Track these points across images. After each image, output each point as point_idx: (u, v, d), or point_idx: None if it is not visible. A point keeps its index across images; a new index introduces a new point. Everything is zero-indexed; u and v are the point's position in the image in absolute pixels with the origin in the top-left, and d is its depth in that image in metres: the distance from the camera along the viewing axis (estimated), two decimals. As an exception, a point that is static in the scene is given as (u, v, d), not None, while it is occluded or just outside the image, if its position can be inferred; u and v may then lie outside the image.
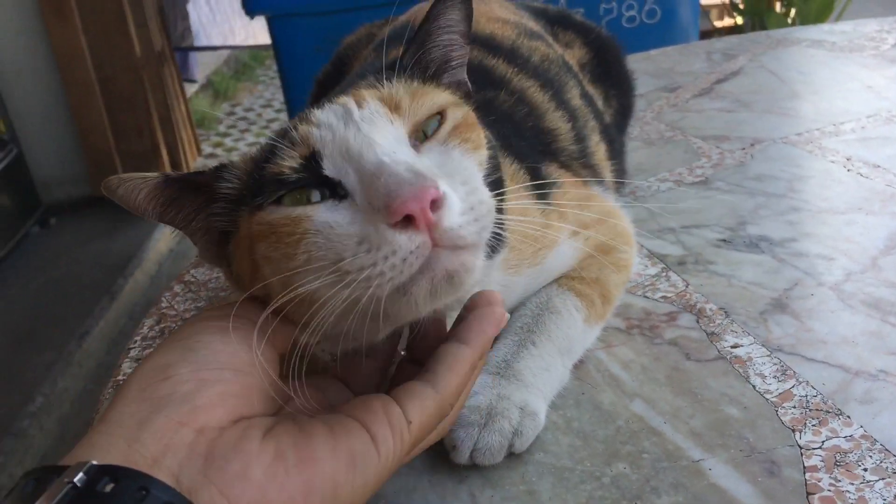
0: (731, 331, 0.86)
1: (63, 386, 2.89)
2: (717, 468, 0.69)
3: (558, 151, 0.95)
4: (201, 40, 4.40)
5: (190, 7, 4.30)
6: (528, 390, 0.75)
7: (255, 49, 6.05)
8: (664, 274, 0.98)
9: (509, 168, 0.82)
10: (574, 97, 1.05)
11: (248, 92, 6.62)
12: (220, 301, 1.07)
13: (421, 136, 0.63)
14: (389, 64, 0.67)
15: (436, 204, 0.53)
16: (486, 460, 0.70)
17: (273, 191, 0.59)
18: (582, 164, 0.97)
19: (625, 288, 0.93)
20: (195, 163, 4.61)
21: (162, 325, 1.00)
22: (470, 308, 0.62)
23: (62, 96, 3.98)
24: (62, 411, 2.83)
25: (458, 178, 0.58)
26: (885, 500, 0.63)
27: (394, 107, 0.62)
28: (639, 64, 1.83)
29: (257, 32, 4.65)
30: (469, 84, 0.74)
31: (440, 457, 0.72)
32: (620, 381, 0.81)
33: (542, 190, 0.84)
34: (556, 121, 0.97)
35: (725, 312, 0.89)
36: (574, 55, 1.21)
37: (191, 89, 5.09)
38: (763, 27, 3.77)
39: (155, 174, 0.61)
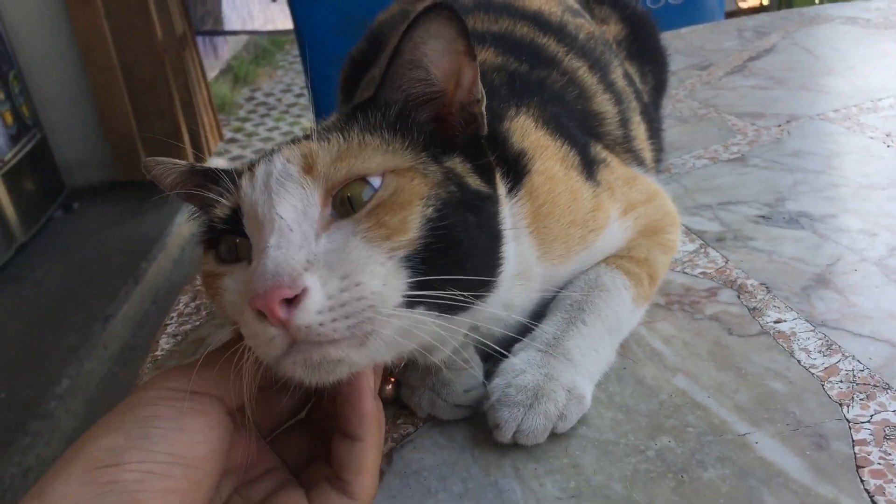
0: (774, 306, 0.85)
1: (88, 368, 2.91)
2: (763, 441, 0.68)
3: (604, 135, 0.94)
4: (220, 25, 4.40)
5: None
6: (577, 370, 0.73)
7: (275, 34, 6.04)
8: (703, 250, 0.97)
9: (559, 150, 0.80)
10: (618, 78, 1.03)
11: (267, 77, 6.63)
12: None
13: (347, 207, 0.59)
14: (358, 105, 0.66)
15: (292, 302, 0.53)
16: (528, 441, 0.70)
17: (207, 232, 0.65)
18: (624, 149, 0.96)
19: (668, 268, 0.92)
20: (216, 147, 4.62)
21: (197, 302, 1.00)
22: (345, 399, 0.59)
23: (85, 81, 4.00)
24: (88, 393, 2.86)
25: (340, 271, 0.56)
26: (938, 473, 0.62)
27: (308, 168, 0.61)
28: (670, 42, 1.80)
29: (276, 17, 4.64)
30: (481, 107, 0.68)
31: (482, 430, 0.72)
32: (662, 356, 0.80)
33: (591, 169, 0.83)
34: (604, 104, 0.95)
35: (767, 288, 0.88)
36: (610, 31, 1.19)
37: (211, 73, 5.10)
38: (790, 7, 3.72)
39: (184, 162, 0.65)
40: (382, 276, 0.56)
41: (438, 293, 0.58)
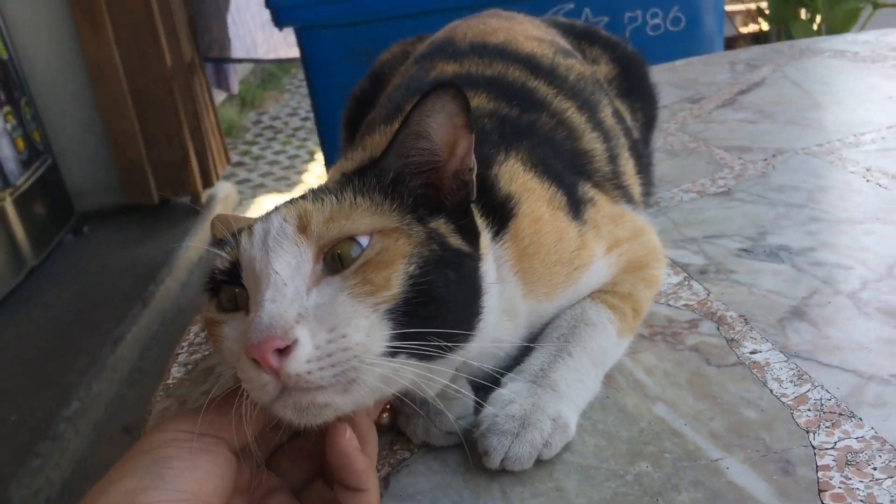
0: (751, 337, 0.90)
1: (97, 390, 2.96)
2: (734, 467, 0.72)
3: (593, 172, 0.99)
4: (225, 52, 4.47)
5: (228, 18, 4.39)
6: (563, 401, 0.78)
7: (278, 62, 6.13)
8: (686, 283, 1.02)
9: (546, 192, 0.86)
10: (607, 116, 1.09)
11: (274, 100, 6.72)
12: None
13: (337, 263, 0.65)
14: (358, 170, 0.73)
15: (283, 351, 0.59)
16: (515, 467, 0.74)
17: (208, 284, 0.70)
18: (613, 185, 1.01)
19: (652, 301, 0.97)
20: (224, 170, 4.69)
21: (206, 333, 1.05)
22: (339, 466, 0.64)
23: (95, 107, 4.08)
24: (97, 415, 2.90)
25: (328, 324, 0.61)
26: (892, 496, 0.67)
27: (303, 227, 0.66)
28: (663, 75, 1.87)
29: (279, 46, 4.72)
30: (472, 174, 0.73)
31: (474, 456, 0.76)
32: (644, 385, 0.85)
33: (578, 208, 0.89)
34: (592, 142, 1.01)
35: (745, 320, 0.93)
36: (601, 71, 1.25)
37: (219, 98, 5.17)
38: (788, 34, 3.78)
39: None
40: (366, 329, 0.62)
41: (418, 343, 0.64)
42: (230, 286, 0.68)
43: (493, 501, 0.73)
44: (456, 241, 0.71)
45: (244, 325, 0.64)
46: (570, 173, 0.93)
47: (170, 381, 0.96)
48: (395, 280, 0.65)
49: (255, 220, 0.72)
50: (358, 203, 0.69)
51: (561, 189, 0.87)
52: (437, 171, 0.72)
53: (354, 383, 0.62)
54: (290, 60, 5.11)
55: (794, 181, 1.24)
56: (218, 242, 0.74)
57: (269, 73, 7.11)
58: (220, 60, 4.62)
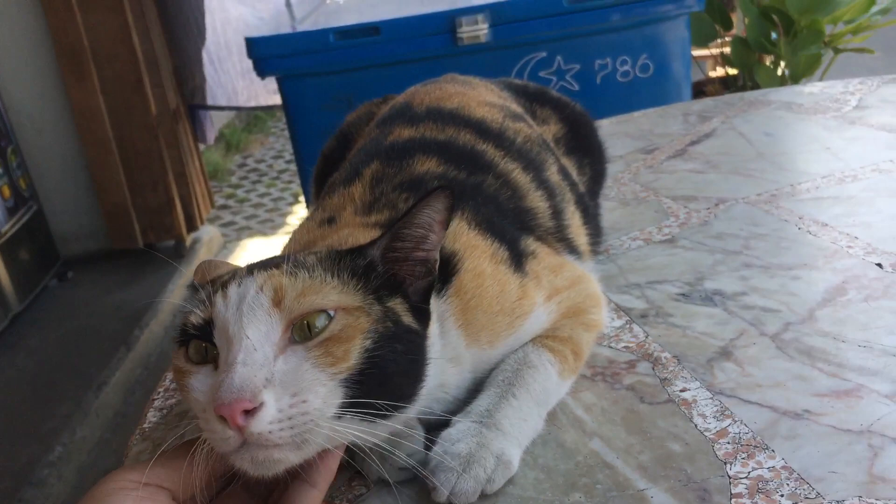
0: (682, 376, 0.98)
1: (81, 435, 3.01)
2: (657, 496, 0.80)
3: (536, 227, 1.08)
4: (207, 99, 4.58)
5: (210, 66, 4.50)
6: (506, 439, 0.86)
7: (258, 110, 6.27)
8: (628, 326, 1.11)
9: (489, 248, 0.95)
10: (552, 174, 1.18)
11: (259, 143, 6.83)
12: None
13: (305, 331, 0.73)
14: (337, 253, 0.81)
15: (249, 413, 0.67)
16: (461, 501, 0.81)
17: (183, 333, 0.77)
18: (556, 238, 1.10)
19: (594, 344, 1.05)
20: (208, 214, 4.77)
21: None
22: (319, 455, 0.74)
23: (80, 154, 4.17)
24: (81, 460, 2.94)
25: (291, 390, 0.69)
26: (796, 520, 0.75)
27: (277, 301, 0.73)
28: (620, 126, 1.98)
29: (259, 94, 4.83)
30: (436, 265, 0.83)
31: (426, 490, 0.84)
32: (583, 421, 0.93)
33: (520, 261, 0.97)
34: (536, 200, 1.10)
35: (678, 360, 1.01)
36: (551, 130, 1.34)
37: (203, 144, 5.26)
38: (753, 79, 3.91)
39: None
40: (323, 395, 0.71)
41: (365, 408, 0.73)
42: (200, 341, 0.76)
43: (441, 531, 0.80)
44: (408, 319, 0.80)
45: (212, 379, 0.73)
46: (513, 229, 1.02)
47: (146, 426, 1.03)
48: (353, 353, 0.73)
49: (232, 274, 0.80)
50: (328, 281, 0.77)
51: (504, 244, 0.96)
52: (408, 259, 0.82)
53: (306, 442, 0.71)
54: (271, 108, 5.24)
55: (733, 229, 1.33)
56: (194, 287, 0.82)
57: (254, 116, 7.23)
58: (203, 108, 4.73)
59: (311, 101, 3.05)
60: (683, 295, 1.16)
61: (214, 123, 5.19)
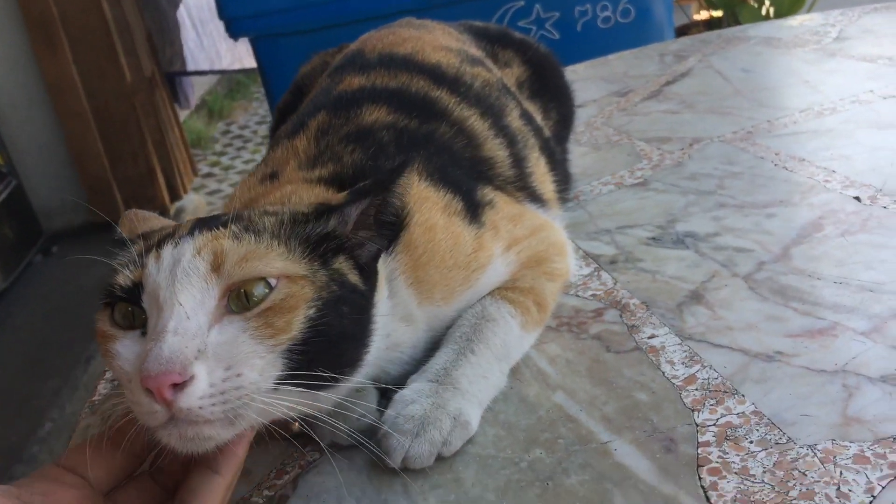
0: (650, 323, 0.94)
1: (71, 411, 2.97)
2: (621, 448, 0.76)
3: (494, 177, 1.02)
4: (190, 65, 4.49)
5: (191, 31, 4.41)
6: (464, 398, 0.81)
7: (243, 73, 6.16)
8: (596, 273, 1.06)
9: (441, 200, 0.89)
10: (513, 119, 1.12)
11: (242, 110, 6.72)
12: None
13: (243, 300, 0.67)
14: (292, 217, 0.75)
15: (178, 386, 0.62)
16: (416, 465, 0.77)
17: (106, 295, 0.70)
18: (517, 187, 1.05)
19: (560, 294, 1.01)
20: (192, 183, 4.71)
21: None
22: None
23: (57, 126, 4.09)
24: (71, 435, 2.91)
25: (225, 363, 0.64)
26: (764, 467, 0.71)
27: (216, 266, 0.68)
28: (596, 70, 1.91)
29: (243, 56, 4.74)
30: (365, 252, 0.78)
31: (378, 454, 0.80)
32: (546, 375, 0.89)
33: (476, 212, 0.92)
34: (494, 148, 1.04)
35: (647, 306, 0.97)
36: (513, 73, 1.28)
37: (186, 111, 5.19)
38: (737, 20, 3.83)
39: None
40: (261, 368, 0.66)
41: (306, 377, 0.68)
42: (127, 304, 0.70)
43: (395, 496, 0.76)
44: (354, 278, 0.75)
45: (139, 346, 0.67)
46: (469, 179, 0.96)
47: (95, 398, 0.99)
48: (296, 324, 0.67)
49: (171, 232, 0.73)
50: (273, 247, 0.71)
51: (458, 195, 0.91)
52: (370, 227, 0.77)
53: (239, 417, 0.66)
54: (255, 69, 5.14)
55: (707, 169, 1.28)
56: (122, 242, 0.76)
57: (236, 82, 7.11)
58: (183, 74, 4.64)
59: (287, 62, 2.94)
60: (654, 239, 1.11)
61: (196, 90, 5.11)
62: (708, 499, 0.69)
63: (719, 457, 0.73)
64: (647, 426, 0.78)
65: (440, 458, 0.79)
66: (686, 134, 1.43)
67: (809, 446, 0.72)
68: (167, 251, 0.70)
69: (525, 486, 0.74)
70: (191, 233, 0.72)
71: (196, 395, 0.62)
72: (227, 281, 0.67)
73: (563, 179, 1.22)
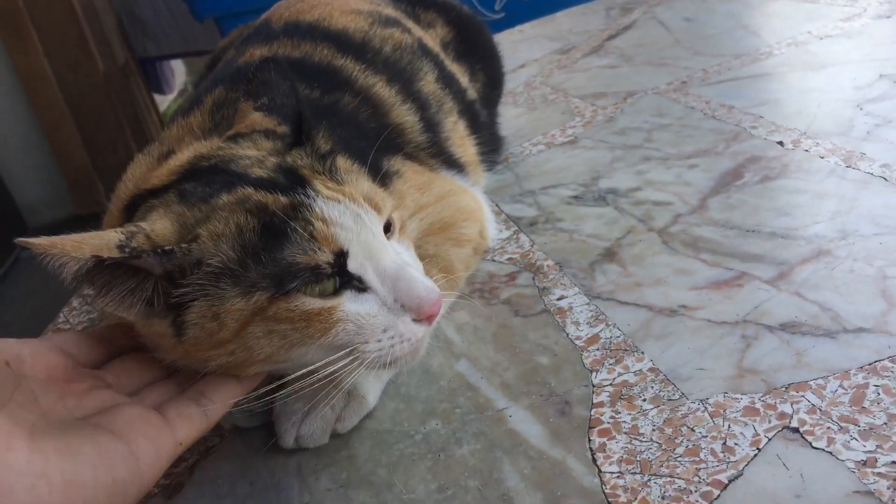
0: (561, 284, 0.92)
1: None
2: (517, 414, 0.75)
3: (404, 144, 1.00)
4: (164, 49, 4.44)
5: (149, 17, 4.36)
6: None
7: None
8: (515, 236, 1.04)
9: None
10: (427, 83, 1.09)
11: (225, 92, 6.67)
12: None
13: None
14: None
15: None
16: (310, 444, 0.76)
17: (309, 280, 0.65)
18: (430, 154, 1.02)
19: (475, 259, 0.99)
20: (174, 170, 4.68)
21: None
22: None
23: (33, 120, 4.06)
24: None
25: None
26: (654, 425, 0.69)
27: (376, 207, 0.71)
28: (541, 28, 1.88)
29: (218, 37, 4.68)
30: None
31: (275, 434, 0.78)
32: (452, 343, 0.87)
33: (383, 184, 0.89)
34: (403, 115, 1.01)
35: (560, 267, 0.95)
36: (437, 34, 1.25)
37: (170, 96, 5.14)
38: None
39: (85, 256, 0.59)
40: None
41: None
42: (328, 278, 0.67)
43: (287, 477, 0.75)
44: None
45: (368, 303, 0.68)
46: (375, 150, 0.94)
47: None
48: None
49: (292, 204, 0.67)
50: (362, 175, 0.77)
51: (362, 167, 0.88)
52: None
53: None
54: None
55: (637, 122, 1.25)
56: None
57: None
58: (157, 59, 4.60)
59: (254, 41, 2.94)
60: (576, 197, 1.09)
61: (178, 76, 5.06)
62: (595, 461, 0.67)
63: (611, 417, 0.71)
64: (544, 390, 0.77)
65: (337, 435, 0.78)
66: (621, 88, 1.40)
67: (701, 401, 0.70)
68: (337, 214, 0.68)
69: (417, 459, 0.73)
70: (302, 184, 0.69)
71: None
72: (384, 216, 0.73)
73: (490, 142, 1.19)
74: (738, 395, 0.70)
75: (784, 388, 0.69)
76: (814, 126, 1.10)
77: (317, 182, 0.70)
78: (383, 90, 1.01)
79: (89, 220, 0.75)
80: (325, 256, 0.65)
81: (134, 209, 0.71)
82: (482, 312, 0.91)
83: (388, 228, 0.73)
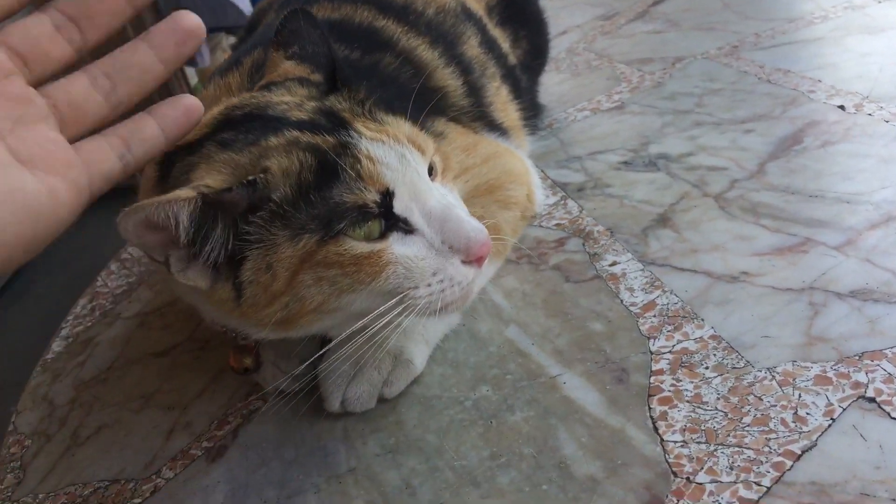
0: (613, 250, 0.88)
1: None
2: (571, 381, 0.72)
3: (447, 108, 0.96)
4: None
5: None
6: (407, 337, 0.77)
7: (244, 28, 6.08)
8: (563, 202, 1.01)
9: None
10: (471, 48, 1.06)
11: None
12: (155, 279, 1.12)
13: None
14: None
15: None
16: (356, 408, 0.74)
17: (357, 220, 0.63)
18: (472, 117, 0.99)
19: (522, 223, 0.96)
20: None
21: (94, 303, 1.06)
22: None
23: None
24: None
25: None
26: (719, 393, 0.66)
27: (419, 148, 0.69)
28: (582, -6, 1.83)
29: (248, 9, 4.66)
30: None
31: (320, 399, 0.76)
32: (500, 309, 0.84)
33: None
34: (446, 78, 0.98)
35: (611, 233, 0.92)
36: (482, -3, 1.22)
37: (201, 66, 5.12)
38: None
39: (192, 195, 0.58)
40: None
41: None
42: (376, 219, 0.65)
43: (334, 442, 0.73)
44: None
45: (417, 245, 0.66)
46: (417, 111, 0.91)
47: (48, 357, 0.96)
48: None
49: (338, 144, 0.65)
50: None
51: None
52: None
53: None
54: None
55: (687, 88, 1.21)
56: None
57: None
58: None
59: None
60: (625, 163, 1.05)
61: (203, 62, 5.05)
62: (656, 429, 0.64)
63: (672, 385, 0.68)
64: (599, 357, 0.74)
65: (384, 401, 0.75)
66: (669, 53, 1.36)
67: (768, 369, 0.67)
68: (383, 153, 0.66)
69: (468, 425, 0.70)
70: (348, 128, 0.67)
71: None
72: (427, 157, 0.70)
73: (530, 108, 1.15)
74: (808, 364, 0.66)
75: (857, 357, 0.66)
76: (876, 90, 1.05)
77: (358, 124, 0.68)
78: (426, 52, 0.98)
79: (129, 193, 0.71)
80: (371, 196, 0.63)
81: (170, 166, 0.68)
82: (531, 278, 0.87)
83: (430, 172, 0.70)
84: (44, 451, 0.83)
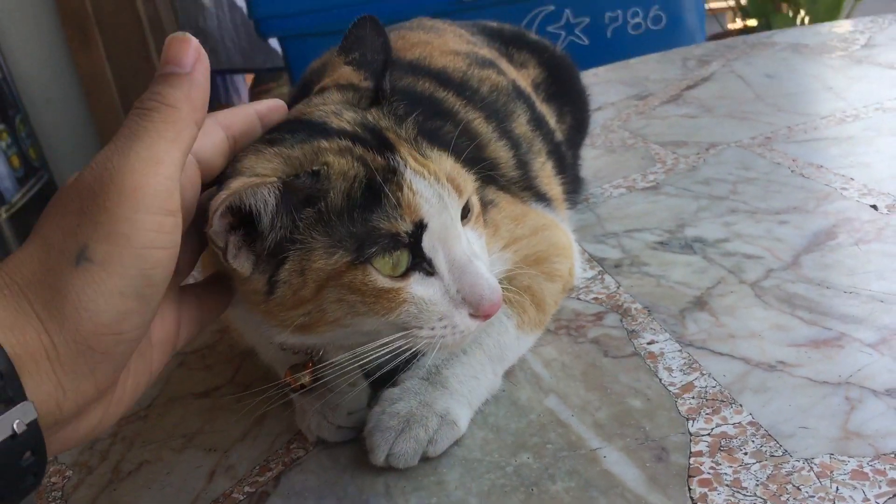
0: (651, 328, 0.91)
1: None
2: (611, 455, 0.74)
3: (498, 178, 1.00)
4: (222, 63, 4.51)
5: (213, 29, 4.43)
6: (453, 397, 0.79)
7: (274, 70, 6.17)
8: (600, 277, 1.04)
9: None
10: (520, 125, 1.10)
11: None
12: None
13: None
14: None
15: None
16: (399, 464, 0.76)
17: (387, 248, 0.66)
18: (521, 187, 1.03)
19: (562, 296, 0.98)
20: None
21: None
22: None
23: (89, 122, 4.13)
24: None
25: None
26: (758, 480, 0.68)
27: (457, 189, 0.71)
28: (617, 73, 1.89)
29: (276, 56, 4.75)
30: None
31: (365, 453, 0.78)
32: (540, 378, 0.86)
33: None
34: (498, 150, 1.02)
35: (648, 311, 0.94)
36: (529, 74, 1.26)
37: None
38: (771, 30, 3.77)
39: (273, 180, 0.63)
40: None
41: None
42: (404, 250, 0.67)
43: (377, 496, 0.74)
44: None
45: (433, 287, 0.69)
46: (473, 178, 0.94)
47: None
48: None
49: (381, 167, 0.68)
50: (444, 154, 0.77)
51: None
52: None
53: None
54: (283, 68, 5.15)
55: (721, 174, 1.25)
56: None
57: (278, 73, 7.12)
58: (219, 73, 4.67)
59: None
60: (662, 243, 1.09)
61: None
62: (696, 510, 0.66)
63: (711, 468, 0.70)
64: (639, 434, 0.76)
65: (425, 460, 0.77)
66: (703, 139, 1.40)
67: (806, 460, 0.69)
68: (424, 187, 0.68)
69: (509, 491, 0.72)
70: (425, 169, 0.71)
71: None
72: (464, 199, 0.72)
73: (573, 182, 1.19)
74: (845, 458, 0.69)
75: (894, 455, 0.68)
76: (908, 193, 1.09)
77: (404, 150, 0.71)
78: (482, 126, 1.02)
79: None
80: (405, 226, 0.67)
81: None
82: (569, 350, 0.90)
83: (466, 212, 0.73)
84: (85, 483, 0.85)
